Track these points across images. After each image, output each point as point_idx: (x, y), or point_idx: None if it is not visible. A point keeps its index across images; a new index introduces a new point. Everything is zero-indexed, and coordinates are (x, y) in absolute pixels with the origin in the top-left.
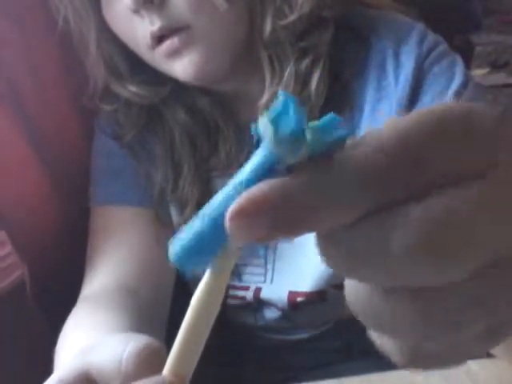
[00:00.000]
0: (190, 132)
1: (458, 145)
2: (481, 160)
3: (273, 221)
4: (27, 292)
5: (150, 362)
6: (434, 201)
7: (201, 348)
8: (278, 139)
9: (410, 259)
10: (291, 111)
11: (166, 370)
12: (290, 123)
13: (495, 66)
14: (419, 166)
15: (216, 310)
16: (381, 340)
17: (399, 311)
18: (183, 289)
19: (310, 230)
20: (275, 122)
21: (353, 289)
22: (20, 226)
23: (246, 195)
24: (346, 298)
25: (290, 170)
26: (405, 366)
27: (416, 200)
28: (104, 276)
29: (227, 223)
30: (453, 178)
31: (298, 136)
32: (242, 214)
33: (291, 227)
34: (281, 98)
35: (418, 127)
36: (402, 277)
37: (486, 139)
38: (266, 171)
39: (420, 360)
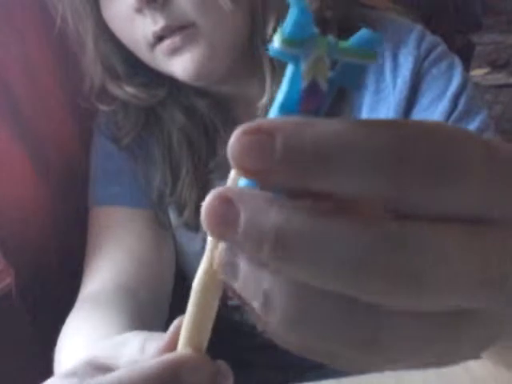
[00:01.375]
0: (188, 134)
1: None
2: (505, 207)
3: (282, 150)
4: (14, 298)
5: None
6: (440, 232)
7: (211, 319)
8: (283, 39)
9: (389, 282)
10: (293, 16)
11: (181, 344)
12: (292, 26)
13: (495, 66)
14: (452, 181)
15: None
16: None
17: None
18: (183, 289)
19: (312, 182)
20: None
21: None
22: (11, 229)
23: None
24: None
25: (314, 87)
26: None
27: (429, 221)
28: (103, 277)
29: (236, 140)
30: (468, 210)
31: (298, 35)
32: (255, 131)
33: (297, 167)
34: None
35: (468, 138)
36: (364, 290)
37: None
38: (294, 88)
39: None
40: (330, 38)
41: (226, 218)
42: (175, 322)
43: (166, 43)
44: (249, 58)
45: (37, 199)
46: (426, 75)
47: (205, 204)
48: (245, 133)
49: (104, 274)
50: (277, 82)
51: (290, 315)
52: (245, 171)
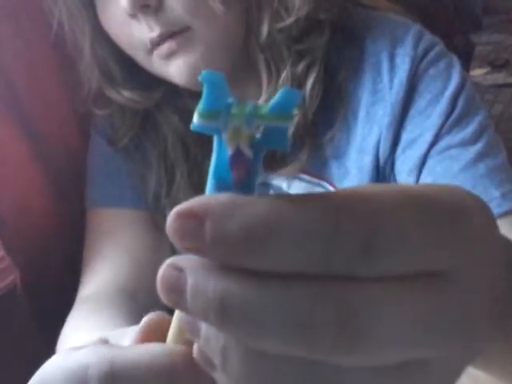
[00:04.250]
0: (183, 137)
1: (433, 236)
2: (449, 259)
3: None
4: (19, 295)
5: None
6: (375, 290)
7: None
8: (200, 114)
9: (327, 340)
10: (206, 91)
11: (170, 340)
12: (206, 100)
13: (495, 66)
14: (382, 244)
15: None
16: None
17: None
18: None
19: (245, 260)
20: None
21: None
22: (14, 227)
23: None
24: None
25: (239, 155)
26: None
27: (357, 282)
28: (102, 278)
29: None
30: (410, 269)
31: (213, 108)
32: (187, 214)
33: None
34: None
35: (402, 202)
36: (304, 348)
37: (467, 239)
38: (222, 159)
39: None
40: (249, 104)
41: (176, 287)
42: (145, 318)
43: (163, 47)
44: (244, 60)
45: (42, 198)
46: (423, 75)
47: (159, 272)
48: (178, 216)
49: (103, 275)
50: (272, 82)
51: (246, 375)
52: (183, 248)
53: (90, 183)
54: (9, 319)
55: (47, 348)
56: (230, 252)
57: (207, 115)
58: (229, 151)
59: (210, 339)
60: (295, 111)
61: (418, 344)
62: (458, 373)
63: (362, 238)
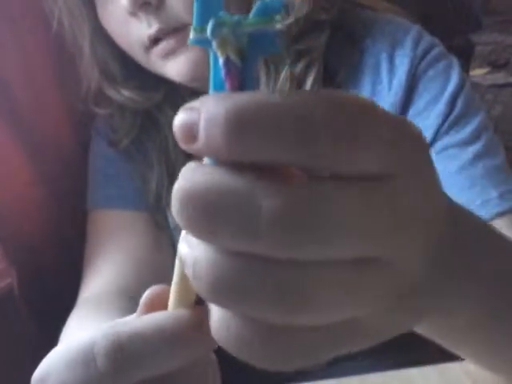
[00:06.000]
0: None
1: (387, 143)
2: (392, 163)
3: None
4: (16, 297)
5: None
6: (322, 184)
7: None
8: (193, 29)
9: (274, 232)
10: (196, 8)
11: (172, 306)
12: (196, 15)
13: (495, 66)
14: (350, 143)
15: None
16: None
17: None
18: None
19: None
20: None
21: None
22: (10, 229)
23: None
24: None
25: (229, 64)
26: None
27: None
28: (104, 279)
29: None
30: (364, 168)
31: (204, 23)
32: (187, 108)
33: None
34: None
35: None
36: (259, 243)
37: (411, 149)
38: (217, 70)
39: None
40: (236, 16)
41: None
42: (147, 292)
43: (161, 46)
44: None
45: (35, 199)
46: (422, 76)
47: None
48: (181, 111)
49: (104, 276)
50: (271, 82)
51: (213, 284)
52: (181, 143)
53: (92, 184)
54: (7, 322)
55: (47, 349)
56: (218, 140)
57: (199, 29)
58: (220, 61)
59: (187, 256)
60: (278, 14)
61: (355, 239)
62: (404, 279)
63: (341, 135)
